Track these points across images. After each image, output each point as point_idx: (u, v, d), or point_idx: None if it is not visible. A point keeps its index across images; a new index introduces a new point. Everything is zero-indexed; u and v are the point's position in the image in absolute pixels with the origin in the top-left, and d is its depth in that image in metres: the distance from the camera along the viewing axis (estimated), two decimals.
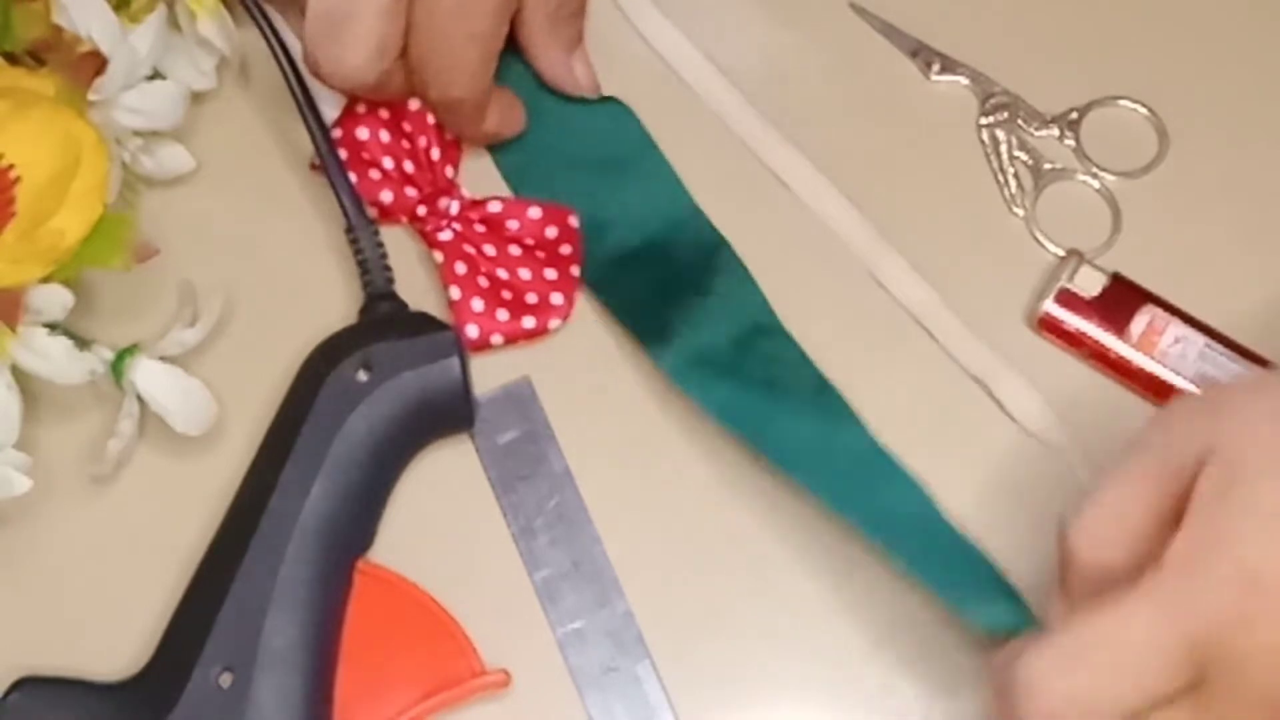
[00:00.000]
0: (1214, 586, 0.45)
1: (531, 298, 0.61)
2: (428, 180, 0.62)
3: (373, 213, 0.62)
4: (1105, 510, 0.48)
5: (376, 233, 0.61)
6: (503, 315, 0.61)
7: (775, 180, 0.64)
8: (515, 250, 0.62)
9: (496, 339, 0.61)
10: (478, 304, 0.61)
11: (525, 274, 0.61)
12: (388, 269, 0.61)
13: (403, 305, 0.61)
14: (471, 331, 0.61)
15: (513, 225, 0.62)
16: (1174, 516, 0.47)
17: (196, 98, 0.63)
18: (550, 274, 0.62)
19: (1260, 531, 0.45)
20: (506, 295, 0.61)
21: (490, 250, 0.62)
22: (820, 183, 0.64)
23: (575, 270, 0.62)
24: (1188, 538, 0.45)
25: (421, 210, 0.62)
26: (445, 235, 0.62)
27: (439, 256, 0.61)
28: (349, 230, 0.61)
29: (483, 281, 0.61)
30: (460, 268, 0.61)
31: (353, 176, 0.62)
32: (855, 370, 0.61)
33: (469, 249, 0.62)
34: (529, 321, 0.61)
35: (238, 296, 0.62)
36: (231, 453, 0.59)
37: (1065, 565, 0.49)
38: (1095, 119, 0.65)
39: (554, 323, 0.61)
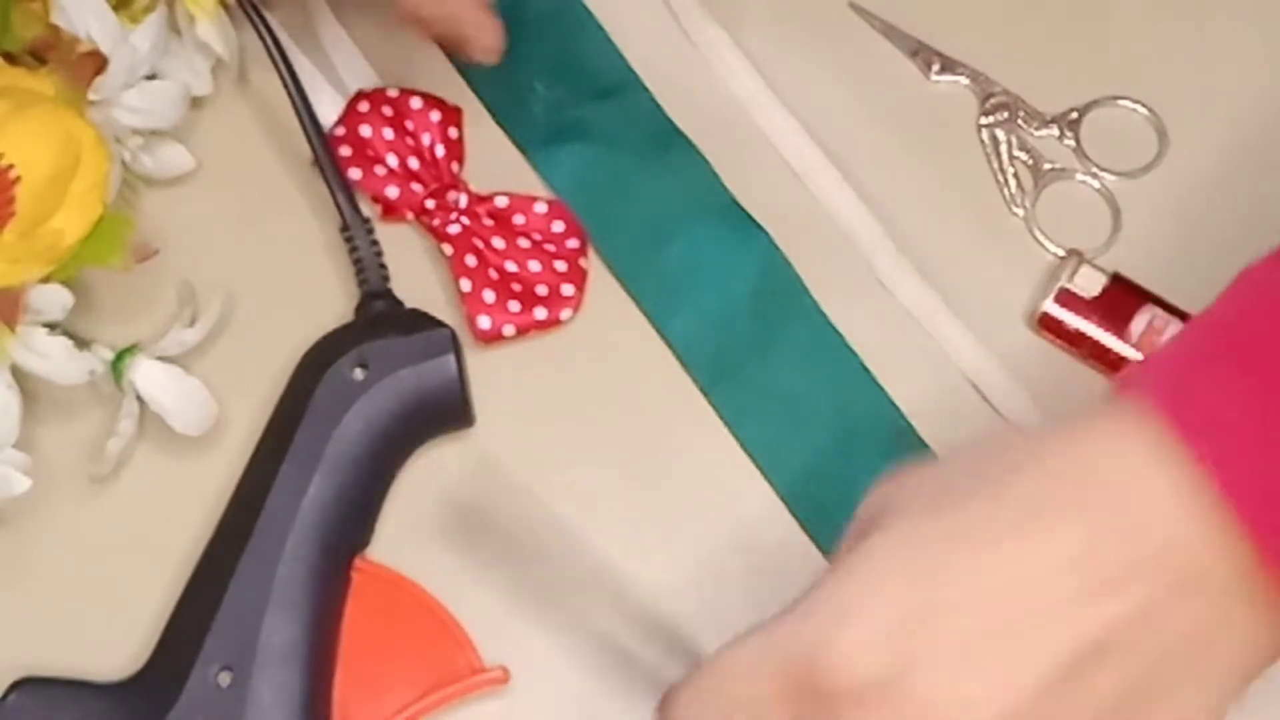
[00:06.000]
0: (813, 620, 0.45)
1: (542, 289, 0.61)
2: (433, 175, 0.63)
3: (378, 209, 0.62)
4: None
5: (371, 231, 0.61)
6: (514, 306, 0.61)
7: (788, 171, 0.64)
8: (524, 243, 0.62)
9: (509, 330, 0.61)
10: (489, 295, 0.61)
11: (535, 266, 0.62)
12: (383, 267, 0.61)
13: (398, 303, 0.61)
14: (484, 323, 0.61)
15: (519, 220, 0.62)
16: None
17: (196, 99, 0.63)
18: (560, 265, 0.62)
19: (856, 570, 0.45)
20: (517, 287, 0.61)
21: (499, 243, 0.62)
22: (833, 177, 0.64)
23: (584, 262, 0.62)
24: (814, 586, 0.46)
25: (430, 204, 0.62)
26: (454, 229, 0.62)
27: (449, 249, 0.62)
28: (344, 229, 0.61)
29: (493, 274, 0.61)
30: (470, 260, 0.61)
31: (357, 173, 0.62)
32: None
33: (478, 242, 0.62)
34: (540, 312, 0.61)
35: (236, 296, 0.62)
36: (230, 452, 0.59)
37: None
38: (1095, 119, 0.65)
39: (565, 313, 0.61)
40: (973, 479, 0.46)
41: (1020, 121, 0.65)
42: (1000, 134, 0.65)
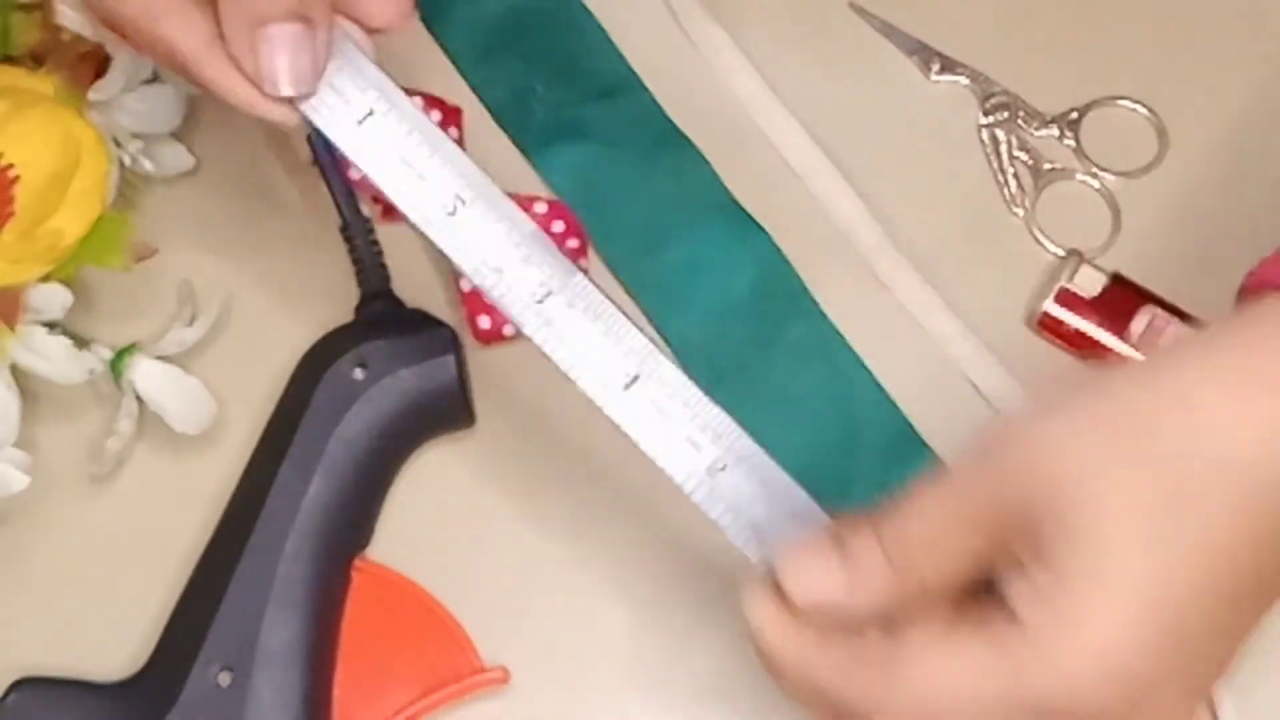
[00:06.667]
0: (1075, 671, 0.43)
1: None
2: None
3: (378, 209, 0.62)
4: (919, 523, 0.45)
5: (371, 230, 0.61)
6: None
7: (788, 171, 0.64)
8: None
9: (509, 329, 0.61)
10: None
11: None
12: (383, 267, 0.61)
13: (398, 303, 0.61)
14: (484, 323, 0.61)
15: None
16: (991, 548, 0.44)
17: (196, 98, 0.63)
18: None
19: (1126, 623, 0.42)
20: None
21: None
22: (833, 177, 0.64)
23: (584, 262, 0.62)
24: (1047, 607, 0.43)
25: None
26: None
27: None
28: (344, 229, 0.61)
29: None
30: None
31: (357, 173, 0.62)
32: None
33: None
34: None
35: (236, 295, 0.62)
36: (230, 452, 0.59)
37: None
38: (1095, 119, 0.65)
39: None
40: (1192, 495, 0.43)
41: (1020, 121, 0.65)
42: (1000, 134, 0.65)
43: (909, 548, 0.45)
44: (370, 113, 0.50)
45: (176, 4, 0.48)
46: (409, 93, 0.63)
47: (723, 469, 0.48)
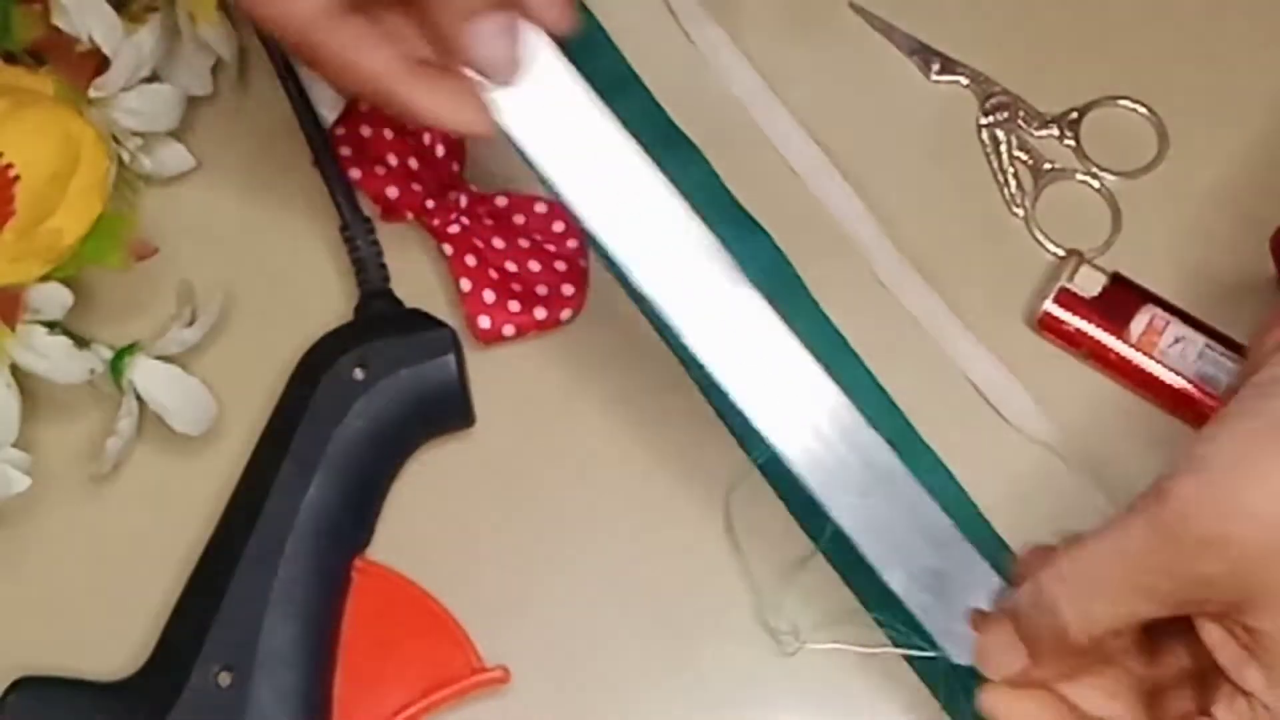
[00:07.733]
0: None
1: (542, 289, 0.61)
2: (433, 175, 0.62)
3: (378, 209, 0.62)
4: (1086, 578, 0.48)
5: (372, 230, 0.61)
6: (514, 306, 0.61)
7: (788, 171, 0.64)
8: (524, 243, 0.62)
9: (508, 330, 0.61)
10: (489, 295, 0.61)
11: (535, 266, 0.62)
12: (383, 267, 0.61)
13: (398, 303, 0.61)
14: (483, 323, 0.61)
15: (519, 220, 0.62)
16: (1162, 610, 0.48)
17: (195, 98, 0.63)
18: (560, 266, 0.62)
19: None
20: (517, 287, 0.61)
21: (499, 243, 0.62)
22: (833, 177, 0.64)
23: (584, 262, 0.62)
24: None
25: (430, 204, 0.62)
26: (454, 229, 0.62)
27: (449, 249, 0.62)
28: (344, 229, 0.61)
29: (493, 274, 0.61)
30: (470, 260, 0.61)
31: (357, 173, 0.62)
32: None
33: (478, 242, 0.62)
34: (540, 312, 0.61)
35: (236, 295, 0.62)
36: (230, 451, 0.59)
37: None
38: (1095, 119, 0.65)
39: (565, 313, 0.61)
40: None
41: (1020, 121, 0.65)
42: (1000, 134, 0.65)
43: (1086, 618, 0.48)
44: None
45: (374, 39, 0.51)
46: None
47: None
